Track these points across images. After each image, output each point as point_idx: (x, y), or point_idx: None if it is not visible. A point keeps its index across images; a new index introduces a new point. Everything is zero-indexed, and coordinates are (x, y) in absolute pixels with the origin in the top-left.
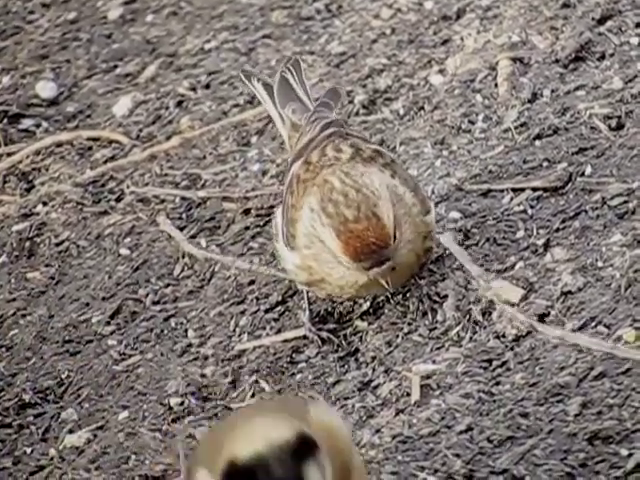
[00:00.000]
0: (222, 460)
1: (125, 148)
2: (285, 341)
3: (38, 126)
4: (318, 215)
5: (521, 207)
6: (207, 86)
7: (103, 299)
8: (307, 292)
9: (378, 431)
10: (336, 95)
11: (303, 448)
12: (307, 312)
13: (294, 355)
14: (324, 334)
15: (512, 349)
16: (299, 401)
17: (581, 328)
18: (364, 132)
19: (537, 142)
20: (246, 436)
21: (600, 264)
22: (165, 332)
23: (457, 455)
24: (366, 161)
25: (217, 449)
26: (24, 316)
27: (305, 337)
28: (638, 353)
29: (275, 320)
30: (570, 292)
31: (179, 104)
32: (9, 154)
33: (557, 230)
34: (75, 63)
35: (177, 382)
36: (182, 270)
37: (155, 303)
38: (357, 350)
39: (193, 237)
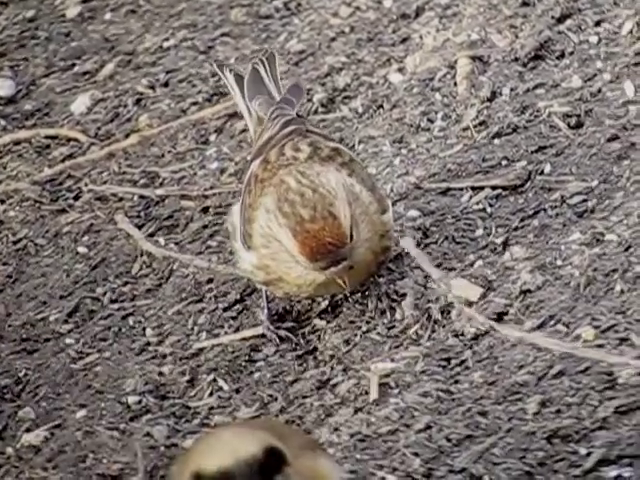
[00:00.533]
0: (188, 473)
1: (83, 146)
2: (243, 339)
3: None
4: (275, 215)
5: (480, 205)
6: (166, 84)
7: (61, 297)
8: (265, 291)
9: (336, 430)
10: (298, 91)
11: (270, 462)
12: (265, 310)
13: (252, 354)
14: (282, 333)
15: (471, 348)
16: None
17: (540, 327)
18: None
19: (496, 140)
20: (213, 449)
21: (559, 263)
22: (123, 330)
23: (416, 454)
24: (324, 160)
25: (186, 464)
26: None
27: (263, 336)
28: (597, 352)
29: (233, 318)
30: (529, 291)
31: (137, 102)
32: None
33: (516, 229)
34: (33, 61)
35: (135, 381)
36: (140, 268)
37: (113, 301)
38: (315, 349)
39: (151, 235)
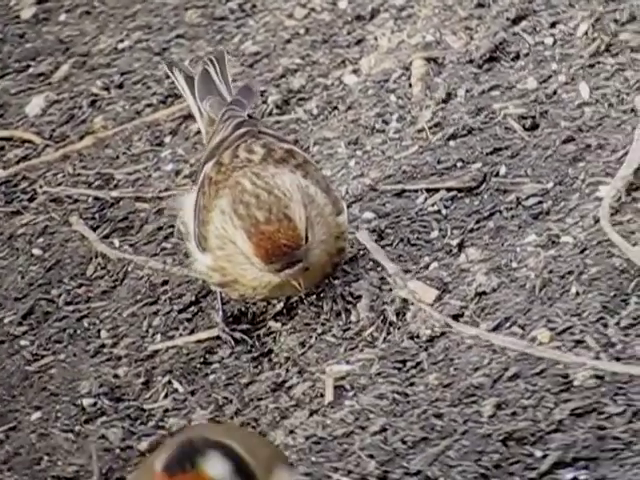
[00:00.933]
0: None
1: (38, 148)
2: (198, 342)
3: None
4: (230, 217)
5: (435, 207)
6: (120, 86)
7: (15, 299)
8: (220, 292)
9: (292, 432)
10: (249, 93)
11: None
12: (220, 312)
13: (207, 356)
14: (237, 335)
15: (426, 350)
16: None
17: (495, 329)
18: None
19: (451, 142)
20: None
21: (514, 265)
22: (78, 332)
23: (371, 456)
24: (278, 162)
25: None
26: None
27: (218, 338)
28: (553, 353)
29: (188, 320)
30: (484, 293)
31: (92, 104)
32: None
33: (471, 230)
34: None
35: (90, 383)
36: (95, 270)
37: (68, 303)
38: (271, 351)
39: (106, 237)
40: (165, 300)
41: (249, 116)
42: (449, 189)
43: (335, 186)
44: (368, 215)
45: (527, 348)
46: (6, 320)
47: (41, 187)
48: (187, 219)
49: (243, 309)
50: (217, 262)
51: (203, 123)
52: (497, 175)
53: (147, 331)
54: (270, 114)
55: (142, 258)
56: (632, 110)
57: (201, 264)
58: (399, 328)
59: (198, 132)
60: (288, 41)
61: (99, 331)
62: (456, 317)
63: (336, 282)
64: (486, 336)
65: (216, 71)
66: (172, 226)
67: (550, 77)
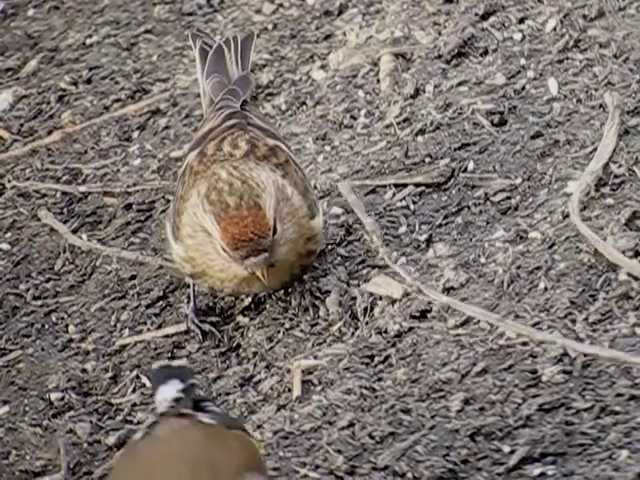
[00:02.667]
0: None
1: (6, 143)
2: (166, 336)
3: None
4: (201, 201)
5: (403, 203)
6: (88, 81)
7: None
8: (193, 285)
9: (259, 427)
10: (246, 82)
11: None
12: (191, 304)
13: (175, 350)
14: (206, 327)
15: (394, 345)
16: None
17: (463, 324)
18: (271, 122)
19: (419, 138)
20: None
21: (483, 260)
22: (46, 327)
23: (339, 451)
24: (259, 159)
25: None
26: None
27: (186, 332)
28: (522, 328)
29: (156, 315)
30: (453, 288)
31: (60, 99)
32: None
33: (440, 226)
34: None
35: (58, 377)
36: (63, 265)
37: (36, 298)
38: (239, 345)
39: (74, 232)
40: (133, 295)
41: (244, 102)
42: (417, 184)
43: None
44: (336, 210)
45: (499, 322)
46: None
47: (9, 182)
48: (170, 208)
49: (211, 304)
50: (187, 252)
51: (204, 102)
52: (465, 171)
53: (115, 326)
54: None
55: (114, 249)
56: (600, 106)
57: (175, 254)
58: (367, 323)
59: (166, 127)
60: (256, 36)
61: (67, 326)
62: (424, 312)
63: (304, 277)
64: (454, 334)
65: (234, 50)
66: (140, 221)
67: (519, 73)
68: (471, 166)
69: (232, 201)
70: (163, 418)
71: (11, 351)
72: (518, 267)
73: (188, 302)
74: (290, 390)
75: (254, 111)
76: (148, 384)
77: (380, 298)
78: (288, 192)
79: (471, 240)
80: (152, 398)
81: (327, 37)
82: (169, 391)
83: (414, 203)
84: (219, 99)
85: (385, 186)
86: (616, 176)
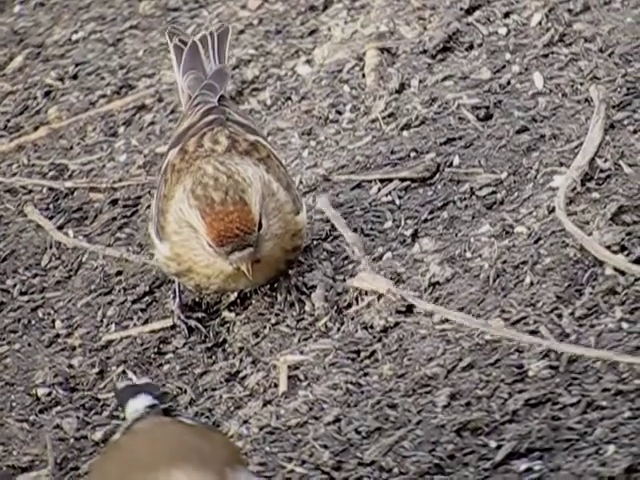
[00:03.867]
0: None
1: None
2: (152, 332)
3: None
4: (187, 196)
5: (389, 197)
6: (75, 77)
7: None
8: (178, 282)
9: (246, 422)
10: (222, 77)
11: None
12: (177, 300)
13: (161, 346)
14: (192, 323)
15: (380, 340)
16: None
17: (449, 319)
18: (249, 116)
19: (405, 132)
20: None
21: (468, 255)
22: (32, 322)
23: (325, 446)
24: (241, 154)
25: None
26: None
27: (173, 327)
28: (508, 331)
29: (142, 311)
30: (438, 283)
31: (47, 94)
32: None
33: (425, 221)
34: None
35: (44, 373)
36: (50, 260)
37: (22, 293)
38: (225, 341)
39: (60, 228)
40: (119, 290)
41: (221, 97)
42: (403, 179)
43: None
44: (324, 199)
45: (484, 326)
46: None
47: None
48: (153, 205)
49: (197, 299)
50: (173, 250)
51: (183, 99)
52: (451, 165)
53: (101, 321)
54: None
55: (99, 246)
56: (586, 100)
57: (159, 254)
58: (353, 318)
59: (152, 123)
60: (241, 32)
61: (54, 321)
62: (410, 307)
63: (290, 272)
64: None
65: (209, 46)
66: (126, 216)
67: (504, 67)
68: (456, 161)
69: (217, 196)
70: (141, 419)
71: None
72: (504, 262)
73: (174, 298)
74: (276, 385)
75: (232, 106)
76: (135, 379)
77: (366, 293)
78: (274, 187)
79: (457, 235)
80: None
81: (312, 32)
82: (140, 402)
83: (399, 198)
84: (196, 94)
85: (370, 181)
86: (602, 170)
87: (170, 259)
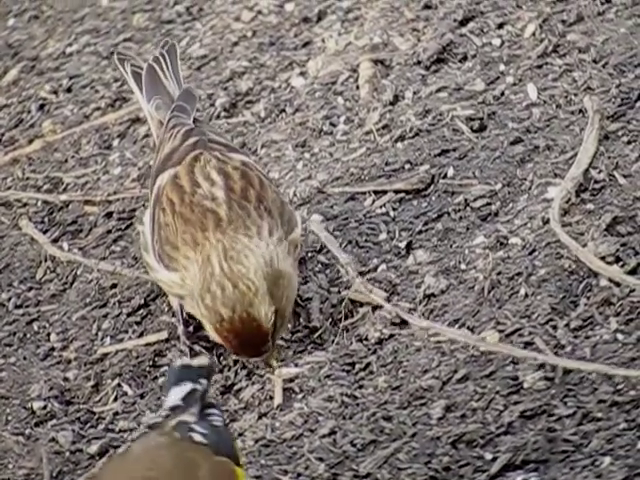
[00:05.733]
0: None
1: None
2: (147, 344)
3: None
4: (197, 304)
5: (383, 209)
6: (69, 89)
7: None
8: (181, 306)
9: (241, 435)
10: (191, 97)
11: None
12: (181, 326)
13: (156, 359)
14: (197, 348)
15: (375, 352)
16: None
17: (444, 335)
18: (226, 135)
19: (399, 144)
20: None
21: (463, 266)
22: (28, 336)
23: (320, 459)
24: (240, 205)
25: None
26: None
27: (168, 340)
28: (503, 346)
29: (137, 323)
30: (433, 294)
31: (41, 107)
32: None
33: (420, 232)
34: None
35: (40, 386)
36: (44, 274)
37: (17, 307)
38: (220, 354)
39: (55, 241)
40: (114, 303)
41: (195, 120)
42: (397, 191)
43: (283, 189)
44: (316, 217)
45: (479, 342)
46: None
47: None
48: (146, 230)
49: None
50: (183, 288)
51: (153, 125)
52: (445, 177)
53: (96, 334)
54: (218, 117)
55: (92, 260)
56: (580, 111)
57: (162, 275)
58: (348, 330)
59: (146, 135)
60: (235, 44)
61: (49, 334)
62: (405, 319)
63: None
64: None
65: (164, 67)
66: (121, 229)
67: (498, 78)
68: (451, 172)
69: (225, 313)
70: (148, 432)
71: None
72: (499, 273)
73: (178, 322)
74: (271, 398)
75: (207, 126)
76: (130, 392)
77: (361, 305)
78: (280, 263)
79: (451, 246)
80: (133, 407)
81: (306, 44)
82: (175, 395)
83: (394, 210)
84: (168, 117)
85: (365, 193)
86: (596, 181)
87: (177, 284)
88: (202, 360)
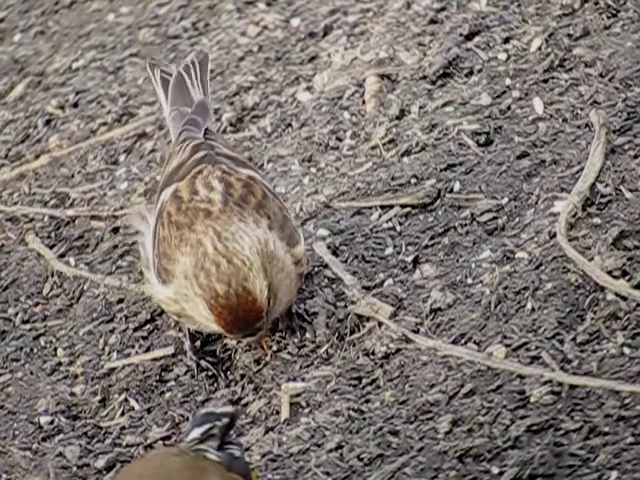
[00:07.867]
0: None
1: None
2: (154, 359)
3: None
4: (191, 283)
5: (390, 224)
6: (75, 105)
7: None
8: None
9: (248, 449)
10: (204, 110)
11: None
12: (188, 342)
13: (163, 373)
14: (204, 364)
15: (382, 366)
16: None
17: (451, 345)
18: (235, 149)
19: (405, 159)
20: None
21: (469, 281)
22: (35, 351)
23: (327, 473)
24: (238, 205)
25: None
26: None
27: (174, 355)
28: (510, 364)
29: (144, 338)
30: (439, 309)
31: (47, 123)
32: None
33: (426, 247)
34: None
35: (47, 401)
36: (51, 289)
37: (24, 322)
38: (226, 368)
39: (62, 256)
40: (121, 318)
41: (206, 131)
42: (403, 205)
43: (289, 204)
44: (322, 232)
45: (485, 360)
46: None
47: None
48: (147, 244)
49: (204, 338)
50: (178, 303)
51: (172, 135)
52: (451, 191)
53: (103, 349)
54: (224, 132)
55: (98, 276)
56: (586, 125)
57: (160, 293)
58: (354, 345)
59: (152, 150)
60: (241, 59)
61: (56, 349)
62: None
63: None
64: (442, 354)
65: (194, 76)
66: (127, 244)
67: (504, 93)
68: (457, 187)
69: (220, 288)
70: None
71: (0, 375)
72: (505, 288)
73: (185, 337)
74: (278, 412)
75: (219, 139)
76: (137, 407)
77: (367, 319)
78: (272, 247)
79: (458, 261)
80: (140, 421)
81: (312, 59)
82: (195, 433)
83: (400, 224)
84: (180, 130)
85: (371, 207)
86: (603, 195)
87: (174, 301)
88: (226, 408)
